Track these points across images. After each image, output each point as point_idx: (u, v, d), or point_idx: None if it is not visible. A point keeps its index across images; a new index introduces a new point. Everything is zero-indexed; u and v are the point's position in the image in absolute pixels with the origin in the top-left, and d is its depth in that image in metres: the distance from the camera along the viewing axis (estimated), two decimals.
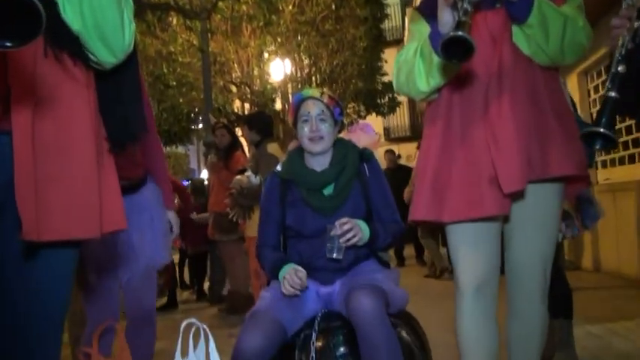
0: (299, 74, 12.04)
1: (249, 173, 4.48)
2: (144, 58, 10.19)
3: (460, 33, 1.42)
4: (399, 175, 8.04)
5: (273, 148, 4.44)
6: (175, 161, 23.78)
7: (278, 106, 12.11)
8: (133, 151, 2.22)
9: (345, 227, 2.01)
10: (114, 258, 2.15)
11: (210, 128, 6.69)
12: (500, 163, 1.69)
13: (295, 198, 2.20)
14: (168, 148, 15.74)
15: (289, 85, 11.91)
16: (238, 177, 4.49)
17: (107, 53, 1.29)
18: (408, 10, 2.07)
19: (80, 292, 3.33)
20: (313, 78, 11.94)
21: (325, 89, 2.35)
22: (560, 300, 2.86)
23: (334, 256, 2.02)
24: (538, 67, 1.77)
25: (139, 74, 1.50)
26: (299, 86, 11.67)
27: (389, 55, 12.98)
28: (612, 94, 1.47)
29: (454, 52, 1.45)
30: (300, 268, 2.05)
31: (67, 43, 1.25)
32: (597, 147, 1.48)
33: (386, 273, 2.15)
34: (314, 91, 2.23)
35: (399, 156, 14.19)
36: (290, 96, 11.74)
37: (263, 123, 4.78)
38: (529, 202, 1.81)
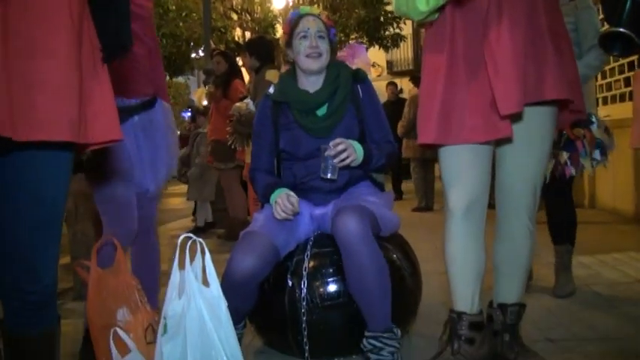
0: (300, 1, 11.74)
1: (248, 100, 4.45)
2: None
3: None
4: (398, 107, 8.10)
5: (271, 74, 4.37)
6: (176, 91, 23.54)
7: (279, 34, 11.87)
8: (147, 68, 2.21)
9: (340, 147, 2.01)
10: (137, 170, 2.16)
11: (210, 55, 6.58)
12: (497, 87, 1.69)
13: (288, 120, 2.18)
14: (168, 78, 15.51)
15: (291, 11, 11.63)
16: (237, 104, 4.46)
17: None
18: None
19: (85, 210, 3.40)
20: (315, 5, 11.64)
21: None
22: (566, 227, 3.03)
23: (328, 176, 2.03)
24: None
25: None
26: None
27: None
28: None
29: None
30: (292, 193, 2.06)
31: None
32: (616, 52, 1.40)
33: (379, 195, 2.17)
34: (313, 9, 2.18)
35: (401, 90, 14.08)
36: None
37: (263, 48, 4.68)
38: (522, 123, 1.82)
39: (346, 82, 2.16)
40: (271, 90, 2.26)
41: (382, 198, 2.17)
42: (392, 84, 9.40)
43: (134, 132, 2.14)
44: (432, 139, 1.81)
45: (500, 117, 1.71)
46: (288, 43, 2.18)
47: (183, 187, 7.65)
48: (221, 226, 6.19)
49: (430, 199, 7.41)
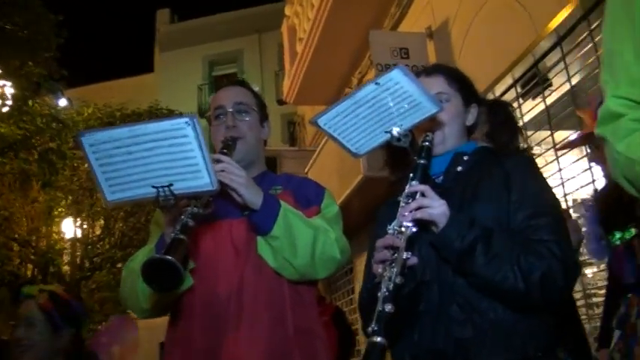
0: (90, 235, 11.51)
1: None
2: None
3: (167, 257, 1.22)
4: None
5: None
6: None
7: (65, 268, 11.32)
8: None
9: None
10: None
11: None
12: None
13: None
14: None
15: (78, 247, 11.28)
16: None
17: None
18: None
19: None
20: (106, 240, 11.46)
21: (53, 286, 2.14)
22: None
23: None
24: (286, 282, 1.59)
25: None
26: (88, 248, 11.11)
27: None
28: (378, 339, 1.17)
29: (161, 274, 1.23)
30: None
31: None
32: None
33: None
34: (32, 289, 2.01)
35: None
36: (77, 259, 11.10)
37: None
38: None
39: None
40: None
41: None
42: None
43: None
44: None
45: None
46: None
47: None
48: None
49: None
